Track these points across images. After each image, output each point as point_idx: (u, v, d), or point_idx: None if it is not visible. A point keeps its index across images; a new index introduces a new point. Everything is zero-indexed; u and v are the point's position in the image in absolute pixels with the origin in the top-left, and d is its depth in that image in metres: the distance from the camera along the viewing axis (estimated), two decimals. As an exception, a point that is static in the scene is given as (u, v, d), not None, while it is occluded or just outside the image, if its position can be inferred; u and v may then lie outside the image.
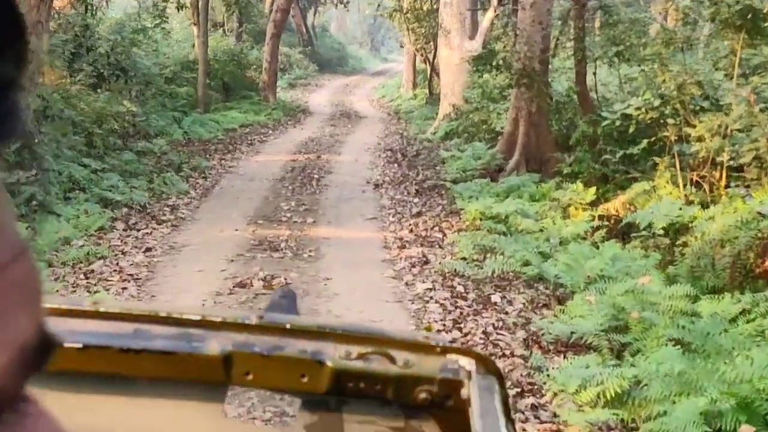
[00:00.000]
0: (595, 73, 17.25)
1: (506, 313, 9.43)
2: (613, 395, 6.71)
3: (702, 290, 9.04)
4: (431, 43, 31.68)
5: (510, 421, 2.02)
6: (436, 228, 13.42)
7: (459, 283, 10.44)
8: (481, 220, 13.17)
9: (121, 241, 12.23)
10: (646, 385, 6.83)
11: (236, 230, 13.02)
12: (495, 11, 25.74)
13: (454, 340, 8.29)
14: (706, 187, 12.22)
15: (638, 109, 13.63)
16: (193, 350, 2.09)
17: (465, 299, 9.90)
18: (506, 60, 20.33)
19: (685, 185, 12.36)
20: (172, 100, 25.15)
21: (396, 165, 20.23)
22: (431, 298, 9.95)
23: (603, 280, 9.46)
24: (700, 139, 12.34)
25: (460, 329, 8.86)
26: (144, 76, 22.61)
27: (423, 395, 2.10)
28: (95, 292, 9.62)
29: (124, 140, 18.27)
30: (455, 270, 10.80)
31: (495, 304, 9.73)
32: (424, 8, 31.87)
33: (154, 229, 13.10)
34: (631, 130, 13.84)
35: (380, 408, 2.16)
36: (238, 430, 3.07)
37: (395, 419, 2.18)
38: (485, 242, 11.65)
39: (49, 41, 16.88)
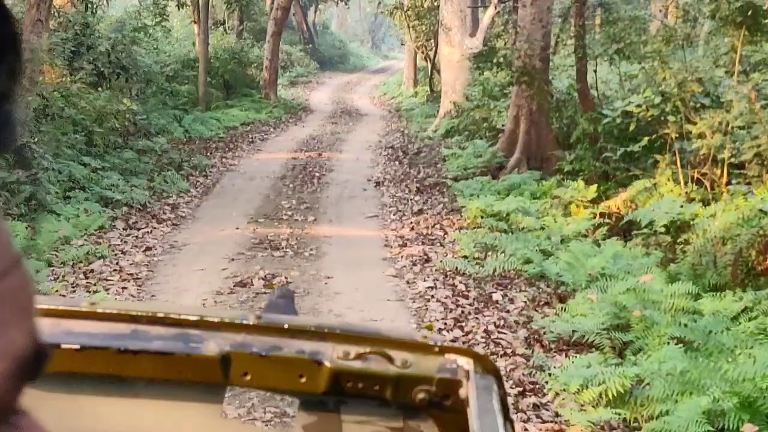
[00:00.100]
0: (595, 71, 17.21)
1: (508, 311, 9.41)
2: (615, 394, 6.69)
3: (704, 288, 9.03)
4: (432, 40, 31.66)
5: (508, 420, 2.03)
6: (437, 226, 13.39)
7: (460, 282, 10.42)
8: (482, 218, 13.16)
9: (121, 240, 12.21)
10: (648, 384, 6.82)
11: (237, 229, 13.01)
12: (495, 8, 25.73)
13: (455, 339, 8.28)
14: (707, 184, 12.20)
15: (639, 106, 13.61)
16: (191, 351, 2.08)
17: (466, 298, 9.88)
18: (507, 57, 20.33)
19: (686, 182, 12.33)
20: (172, 99, 25.16)
21: (397, 163, 20.21)
22: (432, 296, 9.93)
23: (604, 278, 9.44)
24: (701, 136, 12.32)
25: (461, 328, 8.83)
26: (145, 74, 22.58)
27: (421, 395, 2.10)
28: (95, 291, 9.61)
29: (124, 139, 18.26)
30: (456, 268, 10.79)
31: (496, 302, 9.71)
32: (425, 5, 31.82)
33: (155, 228, 13.09)
34: (631, 127, 13.82)
35: (379, 408, 2.16)
36: (236, 430, 3.06)
37: (394, 419, 2.18)
38: (486, 240, 11.63)
39: (49, 40, 16.87)
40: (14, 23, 0.55)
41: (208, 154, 20.39)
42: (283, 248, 11.98)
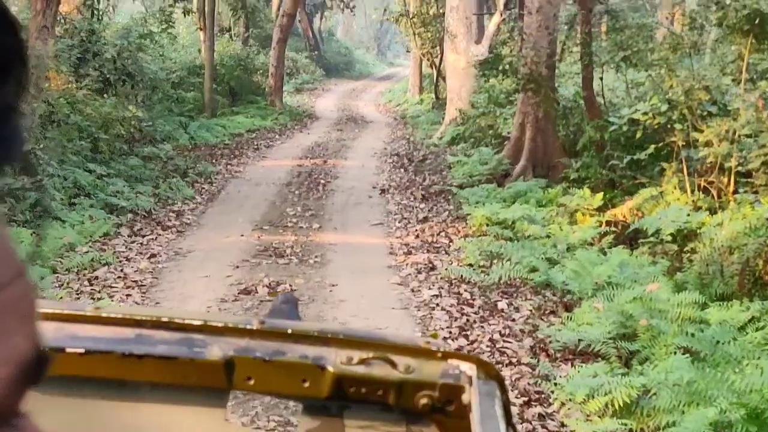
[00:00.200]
0: (602, 78, 17.19)
1: (513, 320, 9.37)
2: (622, 405, 6.65)
3: (710, 297, 8.99)
4: (437, 47, 31.65)
5: (511, 426, 2.04)
6: (443, 234, 13.36)
7: (465, 290, 10.39)
8: (487, 225, 13.14)
9: (126, 247, 12.18)
10: (654, 394, 6.77)
11: (242, 236, 12.98)
12: (501, 16, 25.71)
13: (460, 348, 8.24)
14: (714, 192, 12.15)
15: (645, 114, 13.58)
16: (195, 355, 2.09)
17: (471, 306, 9.84)
18: (513, 65, 20.28)
19: (692, 191, 12.29)
20: (178, 105, 25.15)
21: (402, 170, 20.19)
22: (437, 304, 9.90)
23: (611, 287, 9.40)
24: (707, 144, 12.28)
25: (466, 337, 8.80)
26: (150, 81, 22.57)
27: (424, 400, 2.10)
28: (99, 298, 9.57)
29: (130, 145, 18.24)
30: (461, 276, 10.76)
31: (502, 311, 9.67)
32: (431, 13, 31.84)
33: (159, 234, 13.06)
34: (638, 135, 13.79)
35: (381, 413, 2.16)
36: None
37: (396, 424, 2.18)
38: (492, 248, 11.59)
39: (55, 46, 16.86)
40: (21, 34, 0.55)
41: (214, 160, 20.38)
42: (287, 255, 11.95)
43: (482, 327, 9.15)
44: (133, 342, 2.10)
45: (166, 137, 21.05)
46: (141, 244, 12.44)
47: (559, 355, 8.34)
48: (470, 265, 11.26)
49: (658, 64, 15.03)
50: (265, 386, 2.16)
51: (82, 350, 2.05)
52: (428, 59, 34.10)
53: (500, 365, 7.95)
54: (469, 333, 8.94)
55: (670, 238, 11.03)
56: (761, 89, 12.68)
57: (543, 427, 6.92)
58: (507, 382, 2.17)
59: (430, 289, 10.49)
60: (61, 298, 9.33)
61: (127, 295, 9.89)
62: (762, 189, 11.31)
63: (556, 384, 7.41)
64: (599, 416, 6.74)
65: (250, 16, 36.95)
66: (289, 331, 2.15)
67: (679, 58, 14.95)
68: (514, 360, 8.19)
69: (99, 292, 9.90)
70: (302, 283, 10.57)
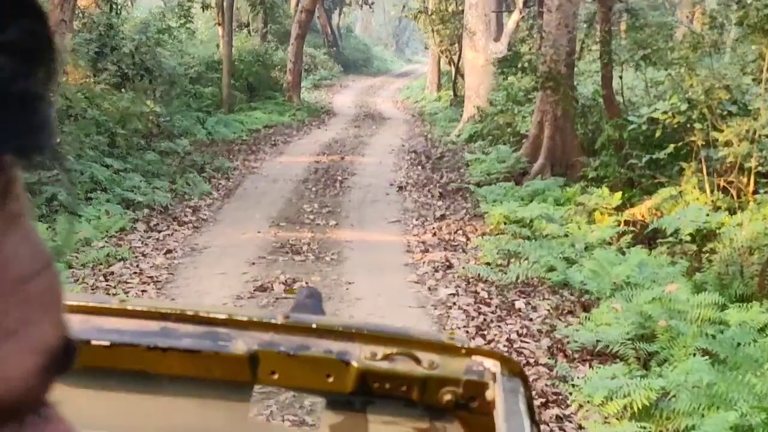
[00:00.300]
0: (621, 77, 17.11)
1: (530, 319, 9.31)
2: (641, 407, 6.58)
3: (730, 298, 8.92)
4: (456, 44, 31.59)
5: (534, 423, 2.03)
6: (460, 232, 13.30)
7: (482, 289, 10.32)
8: (505, 224, 13.08)
9: (142, 242, 12.15)
10: (674, 396, 6.71)
11: (258, 232, 12.94)
12: (520, 13, 25.67)
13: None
14: (733, 192, 12.08)
15: (665, 113, 13.50)
16: (220, 349, 2.10)
17: (488, 305, 9.78)
18: (531, 62, 20.22)
19: (712, 191, 12.21)
20: (196, 101, 25.17)
21: (420, 167, 20.13)
22: (454, 303, 9.84)
23: (629, 287, 9.34)
24: (727, 144, 12.21)
25: (483, 336, 8.73)
26: (168, 76, 22.59)
27: (448, 396, 2.11)
28: (114, 294, 9.53)
29: (147, 140, 18.24)
30: (479, 275, 10.70)
31: (519, 310, 9.61)
32: (449, 10, 31.79)
33: (176, 230, 13.03)
34: (657, 134, 13.71)
35: (405, 409, 2.17)
36: (263, 429, 3.08)
37: (420, 420, 2.19)
38: (509, 247, 11.54)
39: (73, 40, 16.86)
40: (49, 23, 0.55)
41: (231, 156, 20.35)
42: (304, 252, 11.91)
43: (499, 326, 9.09)
44: (158, 335, 2.11)
45: (183, 132, 21.05)
46: (157, 239, 12.41)
47: (576, 355, 8.27)
48: (488, 263, 11.21)
49: (678, 62, 14.94)
50: (289, 381, 2.16)
51: (107, 342, 2.06)
52: (446, 56, 34.08)
53: (517, 365, 7.88)
54: (486, 332, 8.87)
55: (689, 238, 10.96)
56: (782, 89, 12.62)
57: (560, 429, 6.86)
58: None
59: (447, 287, 10.43)
60: (75, 293, 9.31)
61: (143, 291, 9.86)
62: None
63: (573, 385, 7.34)
64: (617, 419, 6.68)
65: (268, 12, 36.97)
66: (314, 325, 2.16)
67: (699, 57, 14.86)
68: (531, 360, 8.12)
69: (114, 287, 9.87)
70: (318, 280, 10.52)
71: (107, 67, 19.47)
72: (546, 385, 7.58)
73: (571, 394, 7.27)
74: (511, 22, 26.21)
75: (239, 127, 24.79)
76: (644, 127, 14.22)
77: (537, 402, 7.17)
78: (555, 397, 7.37)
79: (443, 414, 2.15)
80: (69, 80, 16.88)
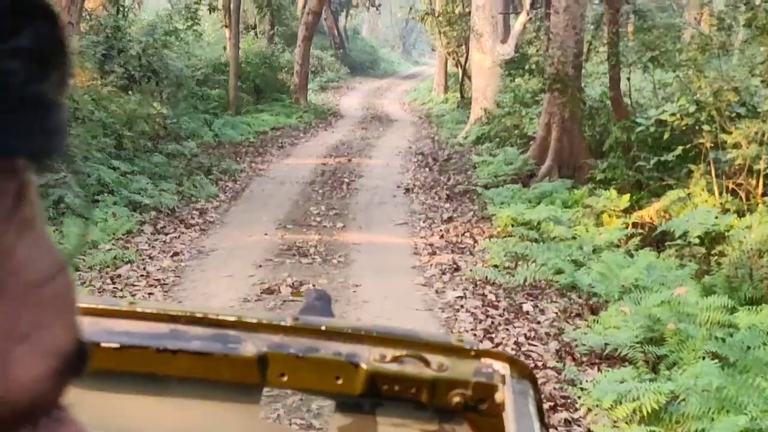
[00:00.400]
0: (629, 79, 17.06)
1: (538, 322, 9.27)
2: (650, 411, 6.54)
3: (739, 301, 8.87)
4: (463, 46, 31.57)
5: (544, 425, 2.03)
6: (467, 234, 13.27)
7: (490, 291, 10.29)
8: (512, 226, 13.04)
9: (149, 245, 12.14)
10: (683, 400, 6.67)
11: (265, 235, 12.92)
12: (527, 15, 25.63)
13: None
14: (742, 195, 12.03)
15: (673, 115, 13.45)
16: (229, 351, 2.11)
17: (496, 308, 9.75)
18: (539, 64, 20.21)
19: (720, 193, 12.17)
20: (203, 103, 25.17)
21: (427, 169, 20.12)
22: (462, 306, 9.80)
23: (638, 290, 9.30)
24: (736, 146, 12.16)
25: (491, 339, 8.70)
26: (175, 78, 22.58)
27: (457, 399, 2.11)
28: (121, 297, 9.50)
29: (154, 142, 18.23)
30: (486, 278, 10.67)
31: (527, 313, 9.57)
32: (456, 12, 31.78)
33: (183, 233, 13.02)
34: (665, 136, 13.66)
35: (414, 411, 2.17)
36: (272, 430, 3.09)
37: (429, 422, 2.19)
38: (517, 249, 11.51)
39: (80, 42, 16.85)
40: (62, 26, 0.55)
41: (238, 158, 20.35)
42: (311, 255, 11.89)
43: (507, 329, 9.05)
44: (167, 337, 2.12)
45: (190, 134, 21.05)
46: (164, 242, 12.40)
47: (585, 359, 8.23)
48: (495, 266, 11.17)
49: (686, 64, 14.89)
50: (299, 383, 2.16)
51: (116, 345, 2.07)
52: (453, 58, 34.05)
53: (525, 369, 7.85)
54: (494, 335, 8.84)
55: (697, 240, 10.92)
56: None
57: (569, 432, 6.84)
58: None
59: (454, 290, 10.40)
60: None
61: (150, 294, 9.84)
62: (792, 192, 11.20)
63: (582, 389, 7.31)
64: (627, 422, 6.64)
65: (275, 14, 37.00)
66: (323, 327, 2.16)
67: (708, 59, 14.82)
68: (539, 364, 8.08)
69: (121, 290, 9.85)
70: (325, 283, 10.48)
71: (114, 69, 19.46)
72: (554, 388, 7.55)
73: (579, 397, 7.24)
74: (518, 23, 26.18)
75: (246, 129, 24.79)
76: (652, 129, 14.17)
77: (545, 405, 7.14)
78: (563, 401, 7.34)
79: (452, 416, 2.15)
80: (76, 82, 16.86)
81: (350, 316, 9.22)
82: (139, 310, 2.17)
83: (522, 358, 8.11)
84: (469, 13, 27.78)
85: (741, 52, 18.78)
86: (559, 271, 10.52)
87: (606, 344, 8.16)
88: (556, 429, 6.82)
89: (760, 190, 11.85)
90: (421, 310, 9.73)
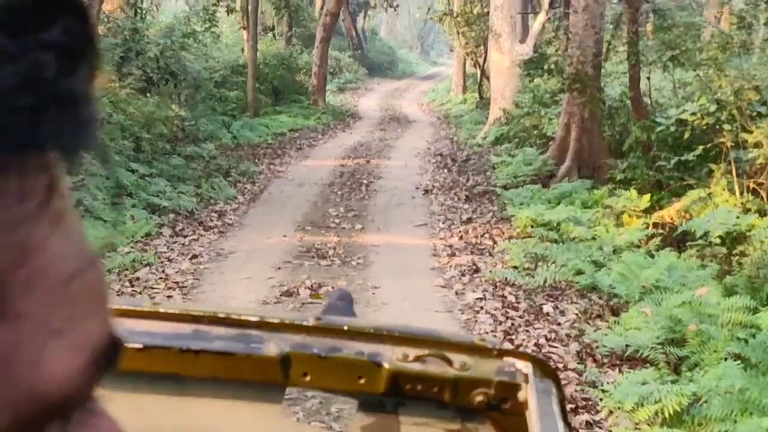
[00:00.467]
0: (649, 78, 17.00)
1: (559, 324, 9.23)
2: (672, 413, 6.48)
3: (761, 302, 8.78)
4: (481, 46, 31.53)
5: (567, 424, 2.02)
6: (487, 235, 13.23)
7: (510, 293, 10.24)
8: (532, 227, 12.98)
9: (168, 247, 12.12)
10: (706, 402, 6.61)
11: (284, 236, 12.90)
12: (546, 15, 25.55)
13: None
14: (763, 194, 11.96)
15: (693, 114, 13.38)
16: (252, 351, 2.11)
17: (516, 309, 9.70)
18: (558, 64, 20.16)
19: (742, 193, 12.10)
20: (221, 104, 25.17)
21: (446, 170, 20.08)
22: (482, 308, 9.76)
23: (659, 291, 9.24)
24: (757, 145, 12.10)
25: (511, 341, 8.65)
26: (193, 80, 22.59)
27: (480, 398, 2.10)
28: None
29: (172, 145, 18.22)
30: (506, 279, 10.62)
31: (547, 314, 9.52)
32: (475, 12, 31.71)
33: (201, 235, 13.00)
34: (686, 136, 13.59)
35: (437, 410, 2.16)
36: (295, 430, 3.09)
37: (452, 422, 2.18)
38: (537, 250, 11.46)
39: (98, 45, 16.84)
40: (91, 20, 0.55)
41: (256, 160, 20.35)
42: (330, 257, 11.86)
43: (527, 331, 9.01)
44: (190, 338, 2.12)
45: (208, 136, 21.05)
46: (183, 244, 12.38)
47: (606, 360, 8.18)
48: (515, 267, 11.13)
49: (707, 63, 14.82)
50: (321, 382, 2.15)
51: (139, 345, 2.06)
52: (472, 58, 34.02)
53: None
54: (514, 337, 8.80)
55: (718, 240, 10.84)
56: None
57: (591, 435, 6.78)
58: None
59: (474, 291, 10.36)
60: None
61: (168, 297, 9.82)
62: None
63: (603, 391, 7.26)
64: (648, 425, 6.58)
65: (293, 15, 37.02)
66: (345, 327, 2.16)
67: (728, 58, 14.74)
68: (560, 365, 8.03)
69: (140, 293, 9.83)
70: (344, 285, 10.44)
71: (132, 71, 19.48)
72: (575, 390, 7.50)
73: (601, 399, 7.19)
74: (536, 23, 26.11)
75: (264, 130, 24.79)
76: (672, 129, 14.10)
77: (567, 407, 7.08)
78: (585, 403, 7.29)
79: (475, 415, 2.14)
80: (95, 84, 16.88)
81: (369, 319, 9.19)
82: (161, 310, 2.17)
83: (542, 359, 8.06)
84: (488, 13, 27.75)
85: (761, 50, 18.70)
86: (580, 272, 10.47)
87: (627, 345, 8.11)
88: (578, 431, 6.77)
89: (781, 189, 11.79)
90: (441, 311, 9.69)
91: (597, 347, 8.40)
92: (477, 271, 11.22)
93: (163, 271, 10.89)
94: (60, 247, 0.55)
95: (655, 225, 12.19)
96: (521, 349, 8.36)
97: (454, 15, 32.34)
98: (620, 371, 7.79)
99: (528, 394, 2.05)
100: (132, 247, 11.72)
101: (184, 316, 2.16)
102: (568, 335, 8.87)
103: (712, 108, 13.16)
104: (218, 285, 10.42)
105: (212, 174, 17.14)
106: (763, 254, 9.69)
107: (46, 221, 0.54)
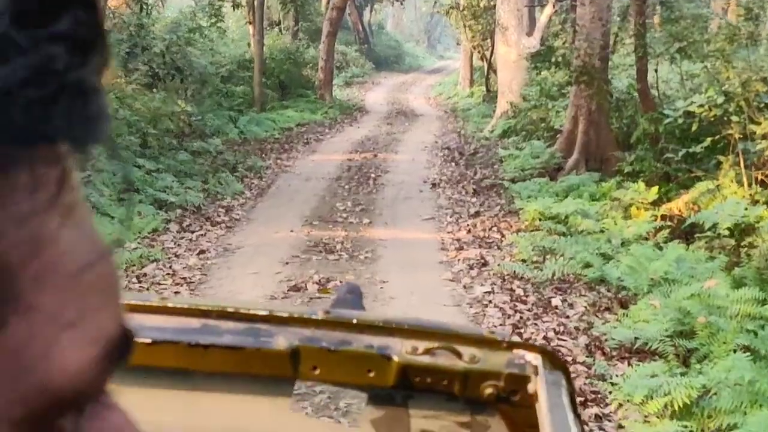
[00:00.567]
0: (656, 70, 16.96)
1: (567, 317, 9.20)
2: (681, 406, 6.46)
3: (770, 294, 8.76)
4: (488, 40, 31.51)
5: (577, 416, 2.02)
6: (495, 228, 13.20)
7: (518, 286, 10.22)
8: (540, 220, 12.95)
9: (175, 243, 12.12)
10: (715, 394, 6.59)
11: (291, 231, 12.88)
12: (553, 7, 25.52)
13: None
14: (772, 186, 11.93)
15: (701, 106, 13.33)
16: (261, 345, 2.12)
17: (525, 303, 9.68)
18: (565, 57, 20.13)
19: (750, 184, 12.06)
20: (228, 100, 25.15)
21: (453, 164, 20.06)
22: (490, 301, 9.74)
23: (667, 283, 9.21)
24: (765, 136, 12.06)
25: (520, 335, 8.63)
26: (200, 75, 22.60)
27: (489, 390, 2.11)
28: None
29: (179, 140, 18.21)
30: (514, 272, 10.60)
31: (555, 307, 9.50)
32: (481, 5, 31.66)
33: (209, 230, 12.99)
34: (694, 128, 13.54)
35: (446, 403, 2.17)
36: (304, 424, 3.10)
37: (461, 414, 2.19)
38: (545, 243, 11.44)
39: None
40: (100, 12, 0.55)
41: (263, 155, 20.33)
42: (338, 251, 11.85)
43: (536, 324, 8.99)
44: (199, 332, 2.12)
45: (215, 132, 21.02)
46: (190, 240, 12.38)
47: (615, 353, 8.16)
48: (523, 260, 11.10)
49: (714, 55, 14.79)
50: (331, 376, 2.16)
51: (148, 340, 2.07)
52: (479, 52, 34.00)
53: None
54: (522, 331, 8.78)
55: (727, 232, 10.81)
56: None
57: (600, 428, 6.76)
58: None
59: (482, 285, 10.34)
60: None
61: (176, 293, 9.79)
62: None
63: (612, 384, 7.24)
64: (658, 417, 6.56)
65: (299, 10, 36.95)
66: (355, 321, 2.16)
67: (735, 49, 14.70)
68: (569, 358, 8.00)
69: (147, 289, 9.82)
70: (352, 279, 10.43)
71: (138, 67, 19.48)
72: (584, 383, 7.48)
73: (610, 392, 7.17)
74: (543, 16, 26.08)
75: (271, 125, 24.76)
76: (680, 121, 14.06)
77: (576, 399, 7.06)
78: (594, 396, 7.27)
79: (485, 408, 2.15)
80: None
81: (378, 313, 9.16)
82: (170, 305, 2.17)
83: (551, 353, 8.04)
84: (494, 6, 27.71)
85: (769, 42, 18.65)
86: (588, 265, 10.45)
87: (636, 338, 8.09)
88: (587, 425, 6.75)
89: (790, 180, 11.76)
90: (449, 305, 9.67)
91: (606, 340, 8.38)
92: (485, 264, 11.20)
93: (170, 267, 10.88)
94: (71, 240, 0.55)
95: (663, 217, 12.16)
96: (530, 342, 8.33)
97: (461, 8, 32.28)
98: (629, 364, 7.77)
99: (538, 386, 2.05)
100: (139, 243, 11.71)
101: (192, 310, 2.17)
102: (576, 328, 8.85)
103: (720, 100, 13.12)
104: (225, 280, 10.41)
105: (219, 169, 17.13)
106: (771, 246, 9.66)
107: (57, 214, 0.54)
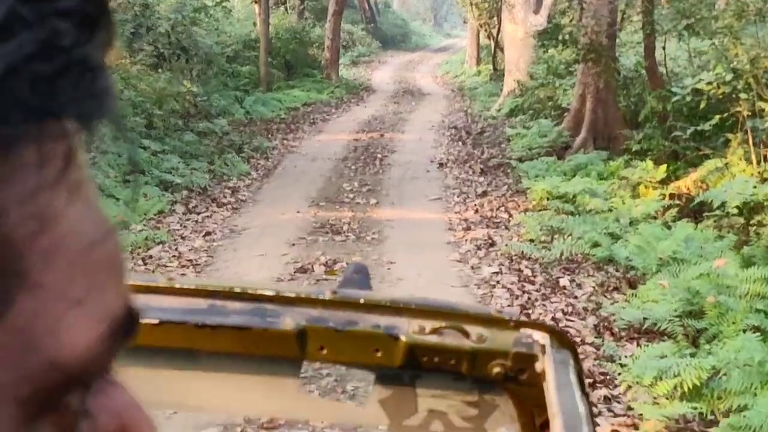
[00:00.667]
0: (664, 47, 16.88)
1: (575, 297, 9.16)
2: (691, 387, 6.41)
3: (780, 273, 8.70)
4: (495, 17, 31.39)
5: (585, 394, 1.97)
6: (502, 208, 13.16)
7: (526, 266, 10.18)
8: (547, 199, 12.91)
9: (181, 225, 12.08)
10: (725, 375, 6.54)
11: (298, 212, 12.85)
12: (560, -15, 25.39)
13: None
14: (781, 164, 11.87)
15: (709, 83, 13.26)
16: (268, 325, 2.08)
17: (532, 283, 9.64)
18: (572, 34, 20.03)
19: (759, 162, 12.00)
20: (233, 80, 25.10)
21: (460, 143, 20.01)
22: (498, 282, 9.70)
23: (676, 263, 9.17)
24: (774, 114, 12.00)
25: (528, 315, 8.58)
26: (205, 55, 22.54)
27: (497, 369, 2.06)
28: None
29: (185, 121, 18.16)
30: (522, 252, 10.55)
31: (564, 288, 9.46)
32: (488, -17, 31.56)
33: (215, 212, 12.96)
34: (702, 105, 13.48)
35: (454, 382, 2.13)
36: (311, 404, 3.09)
37: (469, 393, 2.15)
38: (552, 223, 11.40)
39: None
40: None
41: (269, 135, 20.29)
42: (344, 232, 11.81)
43: (544, 305, 8.95)
44: (206, 312, 2.10)
45: (221, 112, 20.97)
46: (196, 221, 12.34)
47: (623, 333, 8.12)
48: (531, 240, 11.06)
49: (722, 31, 14.69)
50: (338, 356, 2.13)
51: (155, 321, 2.05)
52: (485, 30, 33.89)
53: (563, 345, 7.75)
54: (530, 311, 8.73)
55: (736, 210, 10.75)
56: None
57: (609, 410, 6.72)
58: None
59: (490, 265, 10.29)
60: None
61: (182, 275, 9.75)
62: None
63: (621, 365, 7.19)
64: (667, 398, 6.51)
65: (305, -11, 36.86)
66: (362, 301, 2.13)
67: (744, 26, 14.61)
68: (577, 339, 7.96)
69: (153, 271, 9.79)
70: (359, 260, 10.39)
71: (143, 47, 19.43)
72: (593, 364, 7.43)
73: (619, 374, 7.12)
74: (550, -6, 25.98)
75: (277, 105, 24.73)
76: (688, 99, 14.01)
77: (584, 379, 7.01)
78: (602, 377, 7.23)
79: (492, 387, 2.10)
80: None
81: (385, 293, 9.13)
82: (177, 285, 2.14)
83: (559, 334, 8.00)
84: (501, -16, 27.60)
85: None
86: (596, 245, 10.40)
87: (645, 318, 8.05)
88: (596, 407, 6.70)
89: (799, 158, 11.70)
90: (457, 286, 9.63)
91: (614, 320, 8.34)
92: (492, 244, 11.15)
93: (176, 249, 10.85)
94: (78, 217, 0.55)
95: (672, 196, 12.11)
96: (538, 321, 8.29)
97: (467, -14, 32.20)
98: (638, 345, 7.72)
99: (545, 364, 2.01)
100: (144, 225, 11.68)
101: (199, 291, 2.14)
102: (585, 309, 8.80)
103: (728, 77, 13.05)
104: (232, 262, 10.38)
105: (225, 150, 17.09)
106: (781, 224, 9.61)
107: (63, 190, 0.53)
